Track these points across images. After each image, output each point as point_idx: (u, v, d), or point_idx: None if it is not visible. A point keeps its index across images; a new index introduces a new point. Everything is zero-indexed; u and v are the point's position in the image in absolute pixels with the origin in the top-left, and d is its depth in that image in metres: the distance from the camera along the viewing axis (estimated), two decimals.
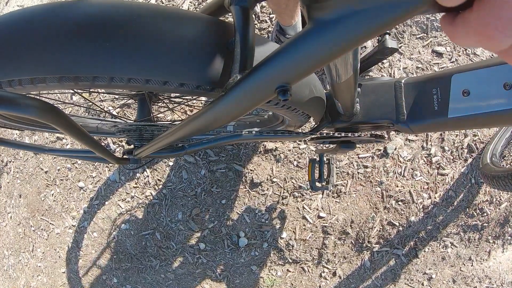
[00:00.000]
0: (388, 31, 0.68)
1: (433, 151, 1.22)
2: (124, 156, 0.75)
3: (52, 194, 1.45)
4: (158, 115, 1.23)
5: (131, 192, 1.36)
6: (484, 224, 1.26)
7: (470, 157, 1.22)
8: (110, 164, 1.37)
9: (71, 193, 1.43)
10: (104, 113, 1.28)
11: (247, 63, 0.37)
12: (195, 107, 1.16)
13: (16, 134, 1.47)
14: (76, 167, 1.41)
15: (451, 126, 0.60)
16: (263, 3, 1.23)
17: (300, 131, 0.71)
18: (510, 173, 0.89)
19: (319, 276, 1.33)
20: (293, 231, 1.30)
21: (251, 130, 0.68)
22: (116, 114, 1.28)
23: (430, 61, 1.19)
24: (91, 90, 1.15)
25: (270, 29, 1.21)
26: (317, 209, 1.28)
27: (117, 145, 1.34)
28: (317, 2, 0.27)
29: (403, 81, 0.66)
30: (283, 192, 1.28)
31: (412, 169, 1.23)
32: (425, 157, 1.23)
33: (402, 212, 1.26)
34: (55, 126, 0.38)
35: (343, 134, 0.70)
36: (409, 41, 1.19)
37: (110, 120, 0.92)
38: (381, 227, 1.28)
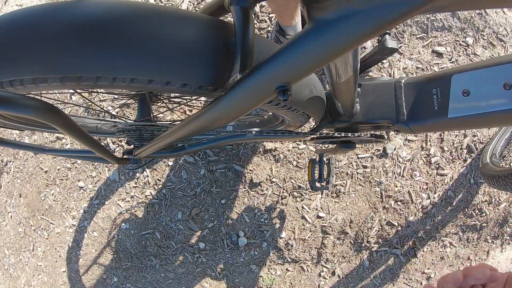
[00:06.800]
0: (388, 31, 0.68)
1: (432, 152, 1.22)
2: (124, 156, 0.75)
3: (52, 194, 1.45)
4: (158, 115, 1.23)
5: (131, 192, 1.36)
6: (483, 224, 1.27)
7: (469, 158, 1.22)
8: (110, 164, 1.37)
9: (71, 193, 1.43)
10: (104, 113, 1.28)
11: (247, 63, 0.37)
12: (195, 107, 1.16)
13: (16, 134, 1.47)
14: (76, 167, 1.41)
15: (451, 126, 0.60)
16: (263, 3, 1.23)
17: (300, 131, 0.71)
18: (510, 173, 0.89)
19: (318, 275, 1.33)
20: (292, 231, 1.30)
21: (251, 130, 0.69)
22: (116, 114, 1.28)
23: (430, 61, 1.19)
24: (92, 90, 1.15)
25: (269, 29, 1.21)
26: (316, 209, 1.28)
27: (117, 145, 1.34)
28: (317, 2, 0.27)
29: (403, 81, 0.66)
30: (283, 192, 1.28)
31: (411, 169, 1.23)
32: (424, 157, 1.23)
33: (401, 212, 1.26)
34: (54, 126, 0.38)
35: (343, 134, 0.70)
36: (409, 41, 1.19)
37: (110, 120, 0.92)
38: (380, 227, 1.28)
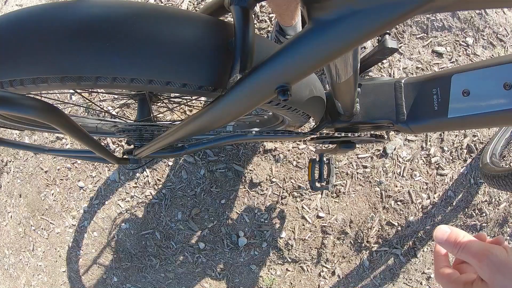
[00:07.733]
0: (388, 31, 0.68)
1: (432, 151, 1.22)
2: (124, 156, 0.75)
3: (52, 194, 1.45)
4: (158, 115, 1.23)
5: (131, 192, 1.36)
6: (483, 224, 1.27)
7: (469, 158, 1.22)
8: (110, 164, 1.37)
9: (71, 193, 1.43)
10: (104, 113, 1.28)
11: (247, 63, 0.37)
12: (195, 107, 1.16)
13: (16, 134, 1.47)
14: (76, 167, 1.41)
15: (451, 126, 0.60)
16: (263, 3, 1.23)
17: (300, 131, 0.71)
18: (510, 173, 0.89)
19: (318, 275, 1.33)
20: (292, 231, 1.30)
21: (251, 130, 0.69)
22: (116, 114, 1.28)
23: (430, 61, 1.19)
24: (91, 90, 1.15)
25: (269, 28, 1.21)
26: (316, 209, 1.28)
27: (117, 145, 1.34)
28: (317, 2, 0.27)
29: (403, 81, 0.66)
30: (282, 192, 1.28)
31: (411, 169, 1.23)
32: (424, 157, 1.23)
33: (401, 212, 1.26)
34: (55, 126, 0.38)
35: (343, 134, 0.70)
36: (409, 41, 1.19)
37: (110, 120, 0.92)
38: (380, 227, 1.28)
